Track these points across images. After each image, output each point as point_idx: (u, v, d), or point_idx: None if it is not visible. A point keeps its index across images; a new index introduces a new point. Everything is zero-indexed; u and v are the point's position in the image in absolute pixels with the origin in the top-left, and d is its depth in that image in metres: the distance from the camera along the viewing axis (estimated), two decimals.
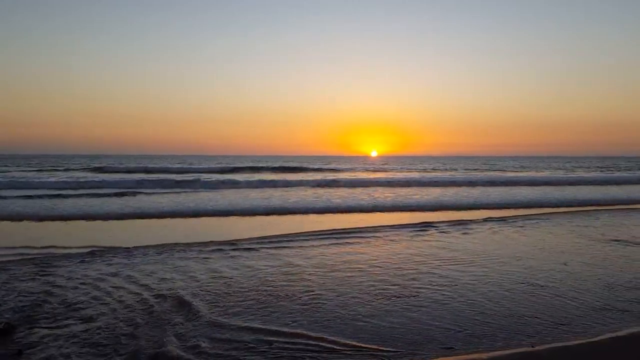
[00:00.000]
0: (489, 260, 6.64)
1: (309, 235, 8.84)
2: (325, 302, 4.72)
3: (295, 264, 6.37)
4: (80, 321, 4.18)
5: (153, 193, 18.05)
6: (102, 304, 4.68)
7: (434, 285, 5.31)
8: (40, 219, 11.11)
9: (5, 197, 15.38)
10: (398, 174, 36.44)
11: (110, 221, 11.04)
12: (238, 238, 8.43)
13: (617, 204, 15.75)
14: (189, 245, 7.74)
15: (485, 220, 11.05)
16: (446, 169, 45.59)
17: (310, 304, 4.66)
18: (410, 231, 9.36)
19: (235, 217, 12.05)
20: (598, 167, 53.66)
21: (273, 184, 22.62)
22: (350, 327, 4.02)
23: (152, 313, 4.38)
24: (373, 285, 5.31)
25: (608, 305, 4.63)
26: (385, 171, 41.83)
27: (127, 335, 3.85)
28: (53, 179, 25.17)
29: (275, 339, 3.76)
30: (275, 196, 16.92)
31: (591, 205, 15.35)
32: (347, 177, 29.28)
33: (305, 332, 3.91)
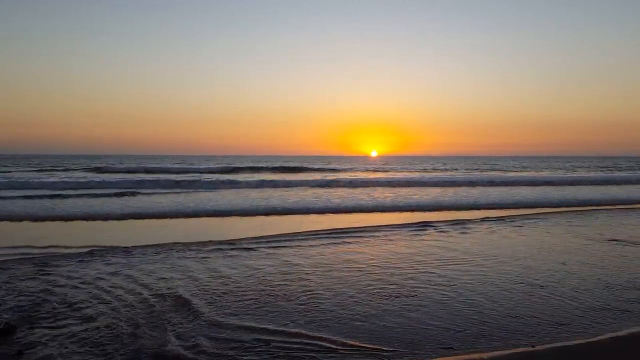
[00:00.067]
0: (487, 260, 6.65)
1: (308, 234, 8.86)
2: (323, 301, 4.73)
3: (294, 264, 6.38)
4: (80, 321, 4.19)
5: (153, 193, 18.05)
6: (101, 303, 4.70)
7: (433, 285, 5.32)
8: (40, 219, 11.13)
9: (5, 197, 15.39)
10: (398, 174, 36.45)
11: (110, 221, 11.05)
12: (237, 238, 8.45)
13: (617, 204, 15.75)
14: (187, 244, 7.76)
15: (483, 219, 11.07)
16: (446, 169, 45.58)
17: (308, 303, 4.67)
18: (409, 231, 9.37)
19: (234, 217, 12.07)
20: (598, 167, 53.66)
21: (273, 184, 22.62)
22: (349, 327, 4.03)
23: (152, 312, 4.40)
24: (371, 285, 5.32)
25: (607, 305, 4.64)
26: (385, 171, 41.82)
27: (127, 334, 3.87)
28: (53, 179, 25.18)
29: (273, 338, 3.77)
30: (275, 196, 16.93)
31: (590, 205, 15.34)
32: (347, 177, 29.26)
33: (303, 331, 3.92)
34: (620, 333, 3.86)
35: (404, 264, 6.37)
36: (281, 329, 3.97)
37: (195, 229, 10.27)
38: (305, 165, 47.94)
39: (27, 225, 10.39)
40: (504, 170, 43.90)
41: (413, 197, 17.32)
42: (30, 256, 6.91)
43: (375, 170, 43.21)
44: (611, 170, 45.90)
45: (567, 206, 14.82)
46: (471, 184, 24.34)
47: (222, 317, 4.27)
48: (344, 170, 41.08)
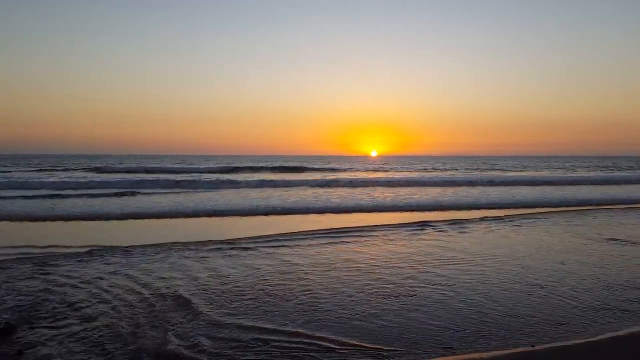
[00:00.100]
0: (486, 260, 6.66)
1: (307, 234, 8.87)
2: (323, 301, 4.74)
3: (293, 263, 6.39)
4: (80, 321, 4.20)
5: (153, 193, 18.06)
6: (101, 303, 4.71)
7: (432, 285, 5.33)
8: (40, 219, 11.14)
9: (5, 197, 15.40)
10: (398, 174, 36.45)
11: (110, 221, 11.06)
12: (237, 237, 8.46)
13: (616, 204, 15.75)
14: (187, 244, 7.77)
15: (482, 219, 11.08)
16: (446, 169, 45.59)
17: (308, 303, 4.68)
18: (408, 230, 9.38)
19: (234, 217, 12.07)
20: (598, 167, 53.66)
21: (273, 184, 22.63)
22: (349, 327, 4.04)
23: (152, 312, 4.41)
24: (370, 284, 5.33)
25: (607, 305, 4.64)
26: (385, 171, 41.82)
27: (127, 334, 3.87)
28: (53, 179, 25.19)
29: (273, 338, 3.78)
30: (275, 196, 16.94)
31: (590, 205, 15.34)
32: (347, 177, 29.26)
33: (303, 331, 3.92)
34: (620, 333, 3.86)
35: (402, 264, 6.38)
36: (280, 328, 3.98)
37: (195, 229, 10.28)
38: (305, 165, 47.94)
39: (27, 225, 10.40)
40: (504, 170, 43.90)
41: (413, 197, 17.33)
42: (30, 256, 6.92)
43: (375, 170, 43.21)
44: (611, 170, 45.89)
45: (566, 206, 14.83)
46: (471, 184, 24.34)
47: (221, 316, 4.27)
48: (344, 170, 41.09)
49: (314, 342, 3.69)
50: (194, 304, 4.62)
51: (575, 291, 5.09)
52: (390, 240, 8.32)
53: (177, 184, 21.78)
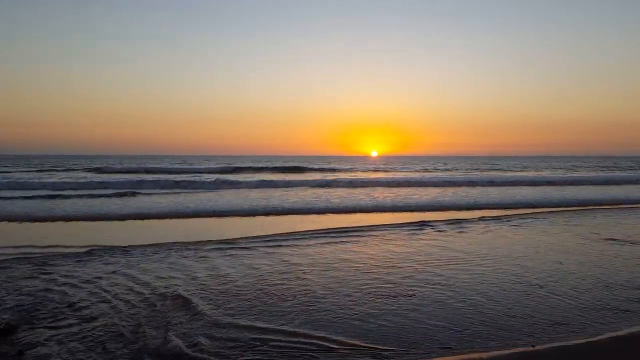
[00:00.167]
0: (485, 259, 6.67)
1: (306, 234, 8.89)
2: (321, 300, 4.75)
3: (292, 263, 6.41)
4: (80, 320, 4.22)
5: (153, 193, 18.08)
6: (101, 302, 4.72)
7: (430, 284, 5.34)
8: (40, 219, 11.15)
9: (5, 198, 15.42)
10: (398, 174, 36.46)
11: (110, 221, 11.08)
12: (236, 237, 8.47)
13: (615, 204, 15.75)
14: (186, 244, 7.79)
15: (481, 219, 11.10)
16: (447, 169, 45.59)
17: (306, 302, 4.69)
18: (407, 230, 9.41)
19: (234, 217, 12.08)
20: (598, 166, 53.66)
21: (273, 184, 22.64)
22: (347, 326, 4.05)
23: (151, 311, 4.42)
24: (369, 284, 5.34)
25: (606, 304, 4.64)
26: (386, 171, 41.83)
27: (127, 333, 3.89)
28: (53, 179, 25.22)
29: (271, 337, 3.79)
30: (275, 196, 16.95)
31: (590, 205, 15.35)
32: (346, 177, 29.27)
33: (301, 330, 3.94)
34: (620, 333, 3.86)
35: (401, 263, 6.39)
36: (279, 328, 3.99)
37: (194, 229, 10.30)
38: (305, 165, 47.92)
39: (27, 225, 10.41)
40: (504, 170, 43.90)
41: (412, 197, 17.34)
42: (30, 256, 6.93)
43: (375, 170, 43.22)
44: (612, 170, 45.90)
45: (566, 206, 14.84)
46: (471, 183, 24.35)
47: (221, 316, 4.29)
48: (344, 170, 41.09)
49: (312, 341, 3.70)
50: (193, 303, 4.63)
51: (574, 291, 5.10)
52: (388, 239, 8.34)
53: (177, 184, 21.79)
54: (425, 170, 44.17)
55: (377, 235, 8.74)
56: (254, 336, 3.81)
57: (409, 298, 4.83)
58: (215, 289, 5.17)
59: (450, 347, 3.59)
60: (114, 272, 5.96)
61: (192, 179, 25.17)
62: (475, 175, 33.03)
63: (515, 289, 5.16)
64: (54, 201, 14.73)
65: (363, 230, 9.34)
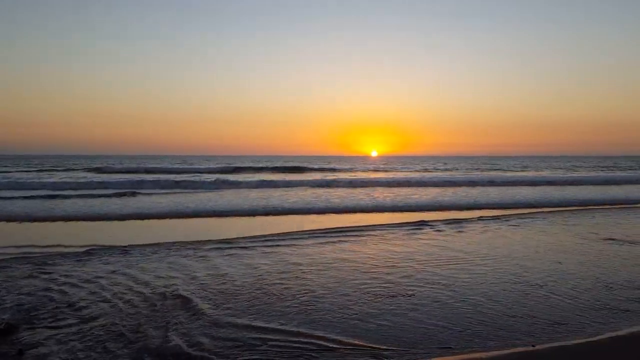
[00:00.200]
0: (483, 259, 6.68)
1: (305, 234, 8.90)
2: (320, 300, 4.75)
3: (291, 262, 6.41)
4: (80, 320, 4.22)
5: (153, 193, 18.09)
6: (101, 302, 4.72)
7: (430, 284, 5.34)
8: (40, 219, 11.15)
9: (5, 198, 15.42)
10: (398, 174, 36.47)
11: (109, 221, 11.08)
12: (235, 237, 8.48)
13: (614, 204, 15.75)
14: (185, 244, 7.80)
15: (479, 219, 11.12)
16: (447, 169, 45.61)
17: (306, 302, 4.69)
18: (406, 230, 9.42)
19: (234, 217, 12.09)
20: (598, 166, 53.66)
21: (273, 184, 22.65)
22: (347, 326, 4.05)
23: (151, 310, 4.42)
24: (368, 283, 5.35)
25: (606, 304, 4.64)
26: (386, 171, 41.84)
27: (127, 333, 3.89)
28: (53, 179, 25.23)
29: (271, 337, 3.79)
30: (275, 196, 16.96)
31: (589, 205, 15.35)
32: (346, 177, 29.28)
33: (301, 330, 3.94)
34: (620, 333, 3.86)
35: (400, 263, 6.40)
36: (279, 327, 4.00)
37: (194, 229, 10.30)
38: (305, 165, 47.94)
39: (27, 225, 10.42)
40: (504, 170, 43.91)
41: (412, 197, 17.34)
42: (30, 256, 6.94)
43: (375, 170, 43.23)
44: (612, 170, 45.90)
45: (566, 206, 14.85)
46: (471, 183, 24.35)
47: (220, 315, 4.29)
48: (344, 170, 41.10)
49: (312, 341, 3.71)
50: (193, 302, 4.64)
51: (574, 290, 5.10)
52: (387, 239, 8.34)
53: (177, 184, 21.80)
54: (425, 170, 44.17)
55: (376, 235, 8.75)
56: (254, 335, 3.81)
57: (408, 298, 4.84)
58: (215, 289, 5.17)
59: (449, 347, 3.59)
60: (113, 271, 5.96)
61: (192, 179, 25.17)
62: (475, 175, 33.03)
63: (515, 289, 5.16)
64: (54, 201, 14.73)
65: (362, 230, 9.35)
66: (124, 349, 3.57)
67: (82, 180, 24.57)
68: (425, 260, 6.62)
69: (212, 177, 26.55)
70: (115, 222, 10.97)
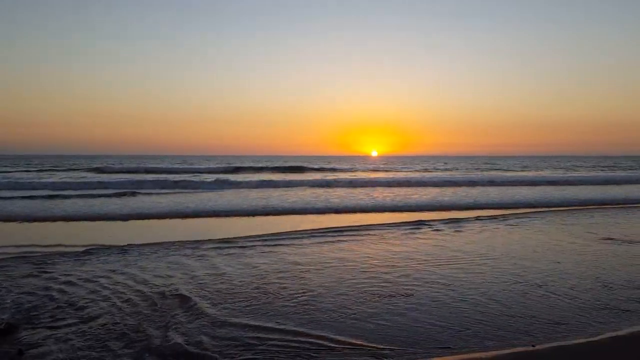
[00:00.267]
0: (482, 258, 6.69)
1: (305, 233, 8.91)
2: (320, 299, 4.76)
3: (290, 262, 6.42)
4: (80, 319, 4.23)
5: (153, 193, 18.10)
6: (101, 301, 4.73)
7: (428, 283, 5.35)
8: (40, 219, 11.16)
9: (5, 198, 15.43)
10: (398, 174, 36.48)
11: (109, 221, 11.09)
12: (235, 237, 8.49)
13: (613, 203, 15.76)
14: (185, 243, 7.81)
15: (478, 218, 11.14)
16: (447, 169, 45.62)
17: (305, 301, 4.70)
18: (404, 229, 9.44)
19: (233, 217, 12.10)
20: (599, 166, 53.67)
21: (273, 184, 22.66)
22: (346, 325, 4.05)
23: (150, 309, 4.43)
24: (368, 283, 5.35)
25: (606, 304, 4.64)
26: (386, 171, 41.86)
27: (127, 332, 3.90)
28: (53, 179, 25.24)
29: (270, 336, 3.80)
30: (275, 196, 16.97)
31: (589, 204, 15.36)
32: (346, 177, 29.30)
33: (300, 329, 3.94)
34: (620, 333, 3.85)
35: (398, 262, 6.40)
36: (278, 327, 4.00)
37: (193, 229, 10.31)
38: (305, 165, 47.96)
39: (27, 225, 10.43)
40: (504, 170, 43.92)
41: (412, 197, 17.35)
42: (29, 255, 6.94)
43: (375, 170, 43.25)
44: (613, 169, 45.90)
45: (567, 206, 14.85)
46: (471, 183, 24.36)
47: (220, 314, 4.29)
48: (344, 170, 41.12)
49: (311, 340, 3.71)
50: (193, 301, 4.65)
51: (573, 290, 5.11)
52: (386, 239, 8.36)
53: (177, 184, 21.80)
54: (425, 170, 44.19)
55: (375, 235, 8.76)
56: (253, 335, 3.82)
57: (407, 297, 4.84)
58: (215, 288, 5.18)
59: (449, 347, 3.59)
60: (113, 271, 5.97)
61: (192, 179, 25.19)
62: (475, 175, 33.04)
63: (514, 288, 5.16)
64: (53, 201, 14.74)
65: (361, 230, 9.37)
66: (124, 349, 3.57)
67: (82, 180, 24.59)
68: (424, 259, 6.63)
69: (212, 177, 26.56)
70: (115, 222, 10.98)
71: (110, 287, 5.26)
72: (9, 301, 4.76)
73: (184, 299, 4.75)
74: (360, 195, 17.58)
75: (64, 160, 67.81)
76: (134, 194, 17.51)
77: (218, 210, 13.02)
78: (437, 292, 5.03)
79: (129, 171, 34.99)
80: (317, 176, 29.93)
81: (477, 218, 11.20)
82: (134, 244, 7.71)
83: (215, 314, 4.33)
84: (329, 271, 5.94)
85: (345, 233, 8.94)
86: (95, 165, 42.03)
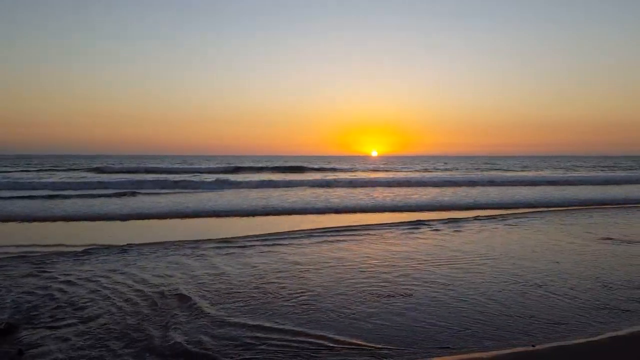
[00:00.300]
0: (481, 258, 6.69)
1: (303, 233, 8.92)
2: (319, 299, 4.76)
3: (289, 261, 6.43)
4: (79, 319, 4.23)
5: (153, 193, 18.10)
6: (100, 301, 4.73)
7: (427, 283, 5.35)
8: (40, 219, 11.16)
9: (5, 198, 15.43)
10: (398, 173, 36.48)
11: (109, 221, 11.10)
12: (235, 236, 8.49)
13: (612, 203, 15.76)
14: (184, 243, 7.82)
15: (477, 218, 11.15)
16: (447, 169, 45.63)
17: (305, 301, 4.70)
18: (403, 229, 9.46)
19: (233, 217, 12.10)
20: (599, 166, 53.67)
21: (273, 184, 22.66)
22: (346, 325, 4.06)
23: (150, 309, 4.43)
24: (367, 283, 5.36)
25: (605, 304, 4.64)
26: (386, 171, 41.86)
27: (127, 332, 3.90)
28: (53, 179, 25.24)
29: (269, 335, 3.80)
30: (274, 196, 16.97)
31: (590, 204, 15.36)
32: (347, 177, 29.31)
33: (299, 329, 3.95)
34: (620, 333, 3.85)
35: (397, 262, 6.41)
36: (277, 326, 4.00)
37: (193, 229, 10.32)
38: (305, 165, 47.96)
39: (26, 225, 10.43)
40: (504, 170, 43.93)
41: (412, 197, 17.35)
42: (29, 255, 6.95)
43: (375, 170, 43.25)
44: (613, 169, 45.90)
45: (567, 206, 14.86)
46: (471, 183, 24.36)
47: (220, 314, 4.29)
48: (344, 170, 41.13)
49: (311, 340, 3.71)
50: (193, 301, 4.65)
51: (572, 290, 5.11)
52: (385, 238, 8.37)
53: (177, 184, 21.81)
54: (426, 170, 44.19)
55: (374, 235, 8.77)
56: (252, 334, 3.82)
57: (406, 297, 4.84)
58: (214, 287, 5.18)
59: (448, 347, 3.59)
60: (113, 270, 5.97)
61: (192, 179, 25.20)
62: (475, 175, 33.04)
63: (513, 288, 5.17)
64: (53, 201, 14.74)
65: (360, 230, 9.38)
66: (124, 348, 3.58)
67: (82, 180, 24.59)
68: (423, 259, 6.63)
69: (212, 177, 26.56)
70: (115, 222, 10.98)
71: (110, 286, 5.27)
72: (8, 301, 4.76)
73: (183, 299, 4.75)
74: (360, 195, 17.58)
75: (64, 160, 67.81)
76: (133, 194, 17.51)
77: (218, 210, 13.03)
78: (436, 291, 5.04)
79: (129, 171, 35.00)
80: (317, 176, 29.94)
81: (476, 218, 11.21)
82: (134, 244, 7.72)
83: (214, 313, 4.33)
84: (328, 271, 5.95)
85: (344, 233, 8.95)
86: (95, 165, 42.04)
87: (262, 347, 3.58)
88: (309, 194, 17.86)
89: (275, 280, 5.49)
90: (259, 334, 3.83)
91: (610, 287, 5.21)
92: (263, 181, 23.51)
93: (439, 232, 9.04)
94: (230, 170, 38.00)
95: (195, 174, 31.17)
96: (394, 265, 6.25)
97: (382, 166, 51.66)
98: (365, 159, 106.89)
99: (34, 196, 16.00)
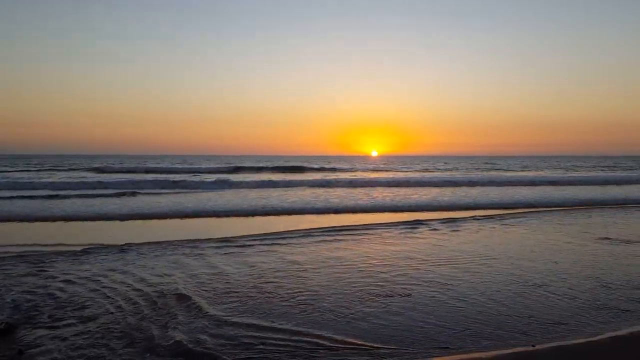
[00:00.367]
0: (479, 258, 6.69)
1: (303, 232, 8.92)
2: (319, 299, 4.76)
3: (289, 261, 6.43)
4: (79, 319, 4.23)
5: (153, 193, 18.10)
6: (100, 300, 4.74)
7: (426, 282, 5.36)
8: (40, 219, 11.16)
9: (5, 198, 15.43)
10: (398, 173, 36.48)
11: (109, 221, 11.10)
12: (234, 236, 8.49)
13: (612, 203, 15.75)
14: (183, 242, 7.82)
15: (475, 218, 11.16)
16: (447, 169, 45.62)
17: (304, 301, 4.71)
18: (402, 229, 9.47)
19: (233, 217, 12.11)
20: (598, 166, 53.66)
21: (273, 184, 22.66)
22: (345, 325, 4.06)
23: (150, 308, 4.43)
24: (366, 282, 5.36)
25: (605, 304, 4.65)
26: (386, 171, 41.86)
27: (127, 331, 3.90)
28: (53, 179, 25.24)
29: (269, 335, 3.80)
30: (274, 196, 16.97)
31: (589, 204, 15.36)
32: (346, 177, 29.31)
33: (298, 329, 3.95)
34: (620, 333, 3.85)
35: (397, 262, 6.41)
36: (277, 326, 4.01)
37: (193, 229, 10.32)
38: (305, 165, 47.96)
39: (27, 225, 10.43)
40: (504, 170, 43.92)
41: (412, 197, 17.35)
42: (28, 255, 6.94)
43: (375, 170, 43.24)
44: (613, 169, 45.89)
45: (568, 205, 14.85)
46: (471, 183, 24.35)
47: (220, 313, 4.29)
48: (344, 170, 41.12)
49: (310, 339, 3.71)
50: (192, 300, 4.65)
51: (571, 290, 5.11)
52: (384, 238, 8.37)
53: (177, 184, 21.80)
54: (425, 170, 44.19)
55: (373, 234, 8.78)
56: (251, 334, 3.83)
57: (405, 297, 4.84)
58: (213, 287, 5.18)
59: (447, 347, 3.59)
60: (112, 270, 5.97)
61: (192, 179, 25.20)
62: (475, 175, 33.04)
63: (512, 288, 5.17)
64: (53, 201, 14.75)
65: (359, 229, 9.38)
66: (124, 348, 3.58)
67: (81, 180, 24.59)
68: (422, 259, 6.63)
69: (212, 177, 26.56)
70: (115, 222, 10.98)
71: (110, 286, 5.27)
72: (8, 300, 4.76)
73: (182, 298, 4.76)
74: (359, 195, 17.58)
75: (63, 160, 67.80)
76: (133, 194, 17.51)
77: (218, 210, 13.03)
78: (435, 291, 5.04)
79: (128, 171, 35.01)
80: (317, 176, 29.93)
81: (474, 218, 11.21)
82: (133, 243, 7.72)
83: (214, 313, 4.33)
84: (327, 270, 5.95)
85: (343, 232, 8.95)
86: (95, 165, 42.04)
87: (261, 346, 3.58)
88: (308, 194, 17.86)
89: (274, 280, 5.49)
90: (257, 334, 3.83)
91: (610, 287, 5.22)
92: (263, 181, 23.51)
93: (438, 232, 9.05)
94: (230, 170, 38.00)
95: (195, 174, 31.17)
96: (392, 265, 6.25)
97: (382, 166, 51.65)
98: (365, 159, 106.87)
99: (34, 196, 16.00)
